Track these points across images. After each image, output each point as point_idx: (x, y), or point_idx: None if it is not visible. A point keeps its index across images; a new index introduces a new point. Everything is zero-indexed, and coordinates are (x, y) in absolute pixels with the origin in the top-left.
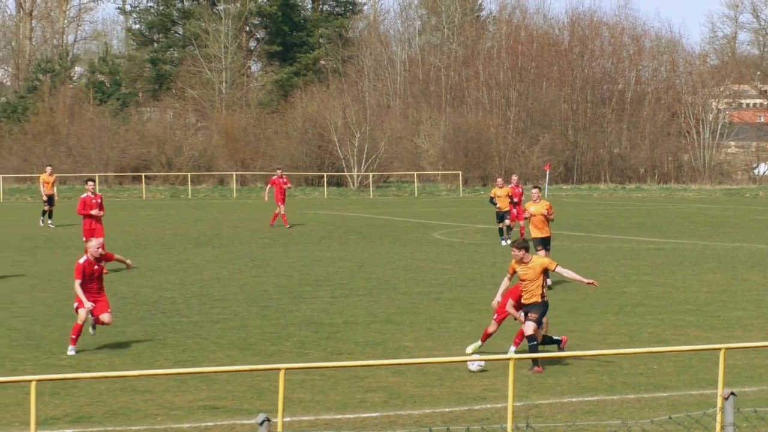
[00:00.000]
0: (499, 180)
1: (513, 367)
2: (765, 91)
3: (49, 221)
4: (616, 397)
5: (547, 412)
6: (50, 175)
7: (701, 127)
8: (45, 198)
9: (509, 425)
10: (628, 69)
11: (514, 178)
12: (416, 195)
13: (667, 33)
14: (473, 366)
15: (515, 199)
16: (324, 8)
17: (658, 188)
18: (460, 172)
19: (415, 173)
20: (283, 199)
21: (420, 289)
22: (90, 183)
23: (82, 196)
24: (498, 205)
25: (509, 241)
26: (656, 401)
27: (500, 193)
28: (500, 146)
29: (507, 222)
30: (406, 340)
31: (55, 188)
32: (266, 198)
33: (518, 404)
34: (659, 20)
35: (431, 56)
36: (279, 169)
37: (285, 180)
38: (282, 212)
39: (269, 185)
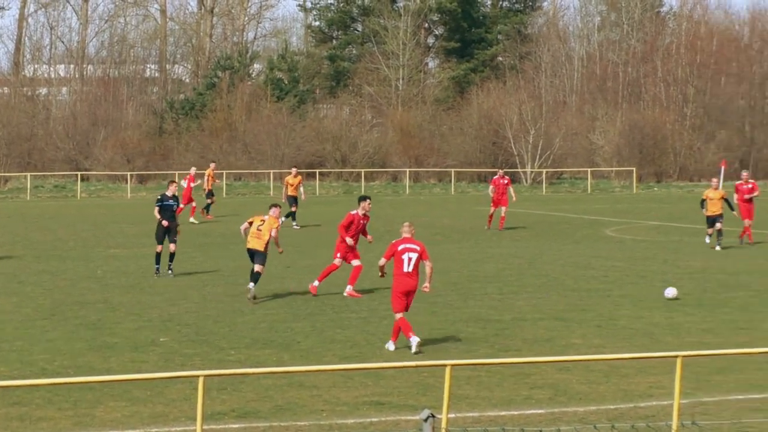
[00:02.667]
0: (714, 181)
1: (681, 364)
2: None
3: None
4: None
5: (713, 410)
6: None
7: None
8: (205, 191)
9: (675, 423)
10: None
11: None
12: (589, 191)
13: None
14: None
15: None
16: (503, 4)
17: None
18: (635, 169)
19: (589, 170)
20: (505, 201)
21: (590, 286)
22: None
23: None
24: (705, 210)
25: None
26: None
27: (713, 195)
28: (676, 143)
29: (718, 226)
30: (574, 337)
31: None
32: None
33: (684, 402)
34: None
35: (609, 52)
36: (500, 169)
37: (507, 181)
38: (502, 214)
39: (491, 186)
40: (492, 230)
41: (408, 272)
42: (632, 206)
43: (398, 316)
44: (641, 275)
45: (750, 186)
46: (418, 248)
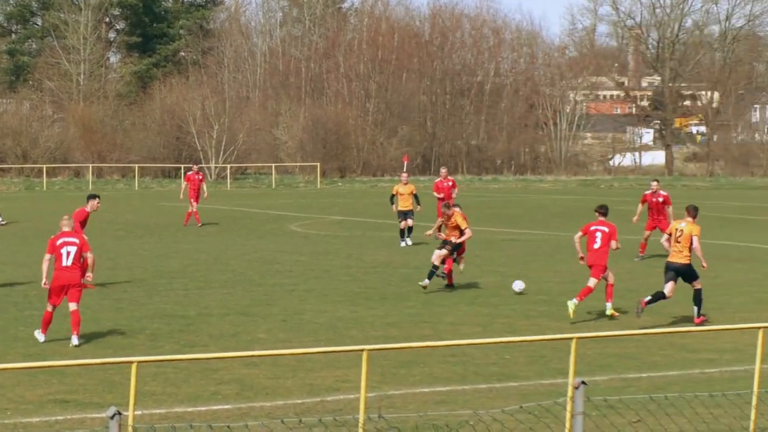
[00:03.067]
0: (404, 176)
1: (366, 358)
2: (622, 83)
3: None
4: (468, 387)
5: (399, 403)
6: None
7: (558, 118)
8: None
9: (361, 416)
10: (487, 61)
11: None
12: (274, 187)
13: (527, 25)
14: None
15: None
16: (185, 0)
17: (514, 179)
18: (319, 164)
19: (273, 165)
20: (197, 197)
21: (275, 281)
22: None
23: None
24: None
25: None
26: (507, 391)
27: (402, 190)
28: (359, 138)
29: (410, 222)
30: (260, 332)
31: None
32: (182, 196)
33: (371, 395)
34: (520, 12)
35: (292, 48)
36: (195, 165)
37: (201, 177)
38: (194, 210)
39: (185, 182)
40: (187, 226)
41: (67, 266)
42: (316, 201)
43: (49, 308)
44: (326, 270)
45: (450, 183)
46: (77, 241)
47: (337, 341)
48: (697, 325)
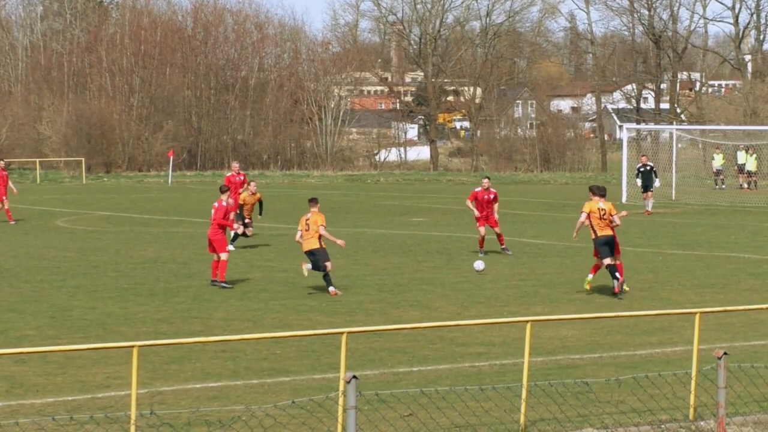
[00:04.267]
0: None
1: (137, 354)
2: (386, 79)
3: None
4: (240, 382)
5: (171, 399)
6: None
7: (324, 113)
8: None
9: (133, 413)
10: (251, 56)
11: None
12: (38, 182)
13: (290, 20)
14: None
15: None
16: None
17: (281, 174)
18: (83, 159)
19: (38, 160)
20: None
21: (42, 277)
22: None
23: None
24: None
25: None
26: (280, 386)
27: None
28: (124, 133)
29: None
30: (29, 329)
31: None
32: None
33: (142, 392)
34: (282, 8)
35: (53, 42)
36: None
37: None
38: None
39: None
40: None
41: None
42: (82, 197)
43: None
44: (94, 265)
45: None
46: None
47: (107, 338)
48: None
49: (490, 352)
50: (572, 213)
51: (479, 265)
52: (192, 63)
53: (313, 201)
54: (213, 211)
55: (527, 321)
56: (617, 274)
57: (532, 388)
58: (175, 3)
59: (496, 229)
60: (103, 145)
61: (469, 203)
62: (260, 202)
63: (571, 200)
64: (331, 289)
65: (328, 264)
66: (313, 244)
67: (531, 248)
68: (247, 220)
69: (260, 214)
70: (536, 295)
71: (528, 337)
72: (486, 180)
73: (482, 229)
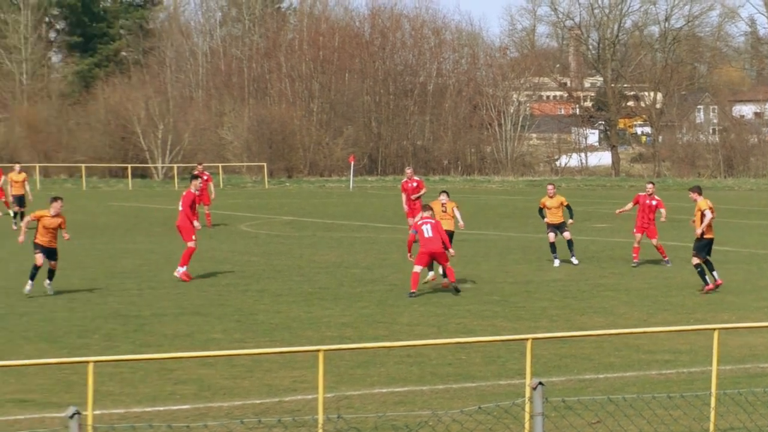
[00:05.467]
0: (550, 187)
1: (323, 358)
2: (564, 84)
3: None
4: (426, 387)
5: (357, 403)
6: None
7: (503, 119)
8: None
9: (320, 417)
10: (429, 61)
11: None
12: (222, 186)
13: (467, 26)
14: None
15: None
16: (124, 0)
17: (462, 180)
18: (265, 164)
19: (220, 165)
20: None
21: (228, 281)
22: None
23: None
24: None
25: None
26: (465, 391)
27: (550, 203)
28: (305, 138)
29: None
30: (215, 332)
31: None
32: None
33: (329, 396)
34: (459, 13)
35: (233, 48)
36: (200, 165)
37: (207, 177)
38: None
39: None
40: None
41: None
42: (265, 201)
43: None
44: (278, 270)
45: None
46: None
47: (293, 341)
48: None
49: (677, 360)
50: (757, 219)
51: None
52: (370, 68)
53: (444, 192)
54: (181, 199)
55: (714, 329)
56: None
57: (721, 396)
58: (353, 9)
59: (653, 241)
60: (285, 150)
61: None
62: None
63: (756, 207)
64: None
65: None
66: (448, 225)
67: (716, 255)
68: None
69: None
70: (723, 302)
71: (716, 345)
72: (650, 185)
73: (638, 236)
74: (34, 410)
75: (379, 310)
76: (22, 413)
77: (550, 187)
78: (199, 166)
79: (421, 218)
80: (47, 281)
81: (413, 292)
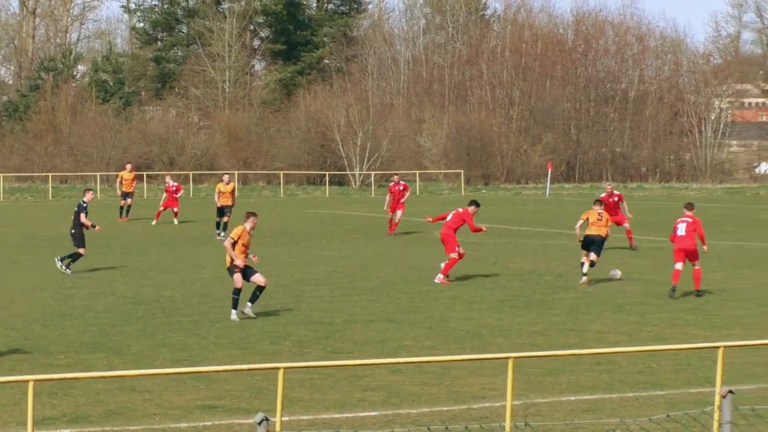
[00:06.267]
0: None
1: (512, 365)
2: (767, 90)
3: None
4: (615, 395)
5: (545, 411)
6: (130, 171)
7: (703, 126)
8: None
9: (508, 424)
10: (631, 68)
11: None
12: (418, 193)
13: (671, 32)
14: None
15: None
16: (329, 7)
17: (659, 187)
18: (462, 171)
19: (417, 172)
20: (401, 205)
21: (420, 288)
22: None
23: None
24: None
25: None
26: (654, 399)
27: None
28: (503, 145)
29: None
30: (406, 339)
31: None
32: (385, 207)
33: (517, 403)
34: (664, 19)
35: (435, 55)
36: (396, 175)
37: (404, 186)
38: (396, 219)
39: (389, 195)
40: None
41: None
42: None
43: None
44: (471, 277)
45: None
46: None
47: (483, 349)
48: None
49: None
50: None
51: (616, 273)
52: (572, 75)
53: (598, 202)
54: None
55: None
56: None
57: None
58: (557, 16)
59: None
60: (482, 157)
61: None
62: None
63: None
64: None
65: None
66: (600, 231)
67: None
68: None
69: None
70: None
71: None
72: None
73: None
74: (223, 416)
75: (570, 317)
76: (211, 419)
77: None
78: (396, 177)
79: (683, 218)
80: (249, 304)
81: (674, 286)
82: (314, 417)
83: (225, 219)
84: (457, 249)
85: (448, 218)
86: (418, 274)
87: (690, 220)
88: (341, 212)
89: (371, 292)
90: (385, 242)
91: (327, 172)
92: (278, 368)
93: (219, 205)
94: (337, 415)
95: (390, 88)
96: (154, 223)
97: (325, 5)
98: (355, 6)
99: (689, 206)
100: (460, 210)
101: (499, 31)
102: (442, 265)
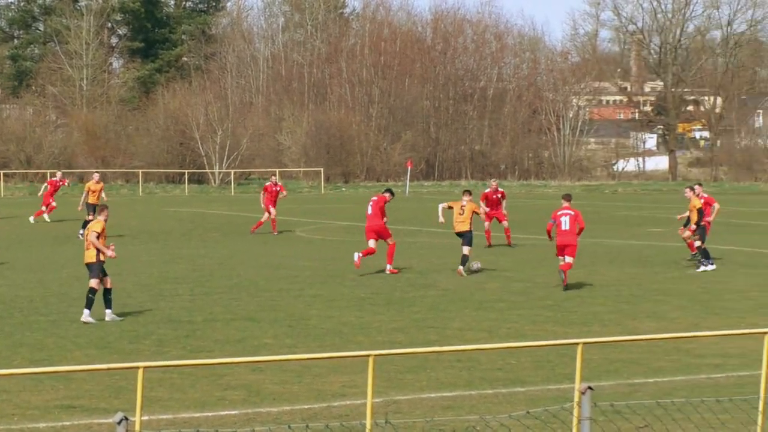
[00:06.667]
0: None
1: (373, 363)
2: (625, 88)
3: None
4: (475, 392)
5: (406, 408)
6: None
7: (562, 123)
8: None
9: (368, 422)
10: (490, 66)
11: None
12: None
13: (530, 31)
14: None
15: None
16: (187, 5)
17: (518, 184)
18: (322, 169)
19: (277, 170)
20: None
21: (281, 286)
22: None
23: None
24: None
25: None
26: (514, 396)
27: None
28: (362, 143)
29: None
30: (266, 337)
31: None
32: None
33: (378, 401)
34: (522, 18)
35: (294, 53)
36: (273, 175)
37: (280, 188)
38: (273, 216)
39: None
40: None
41: None
42: (321, 206)
43: None
44: (331, 275)
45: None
46: None
47: (343, 347)
48: None
49: (727, 364)
50: None
51: (475, 265)
52: (431, 73)
53: (467, 192)
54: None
55: (765, 332)
56: None
57: None
58: (416, 14)
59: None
60: (342, 156)
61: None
62: None
63: None
64: (460, 268)
65: (466, 248)
66: (464, 227)
67: (766, 259)
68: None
69: None
70: None
71: (766, 349)
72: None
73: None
74: (82, 416)
75: (430, 315)
76: (70, 419)
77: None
78: (273, 177)
79: (563, 210)
80: (108, 311)
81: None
82: (174, 416)
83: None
84: (391, 235)
85: (369, 211)
86: (279, 273)
87: (572, 212)
88: (201, 210)
89: (231, 291)
90: (245, 241)
91: (186, 171)
92: (138, 367)
93: (89, 203)
94: (198, 414)
95: (249, 86)
96: (32, 220)
97: (184, 3)
98: (214, 4)
99: (568, 197)
100: (375, 198)
101: (358, 29)
102: (357, 255)
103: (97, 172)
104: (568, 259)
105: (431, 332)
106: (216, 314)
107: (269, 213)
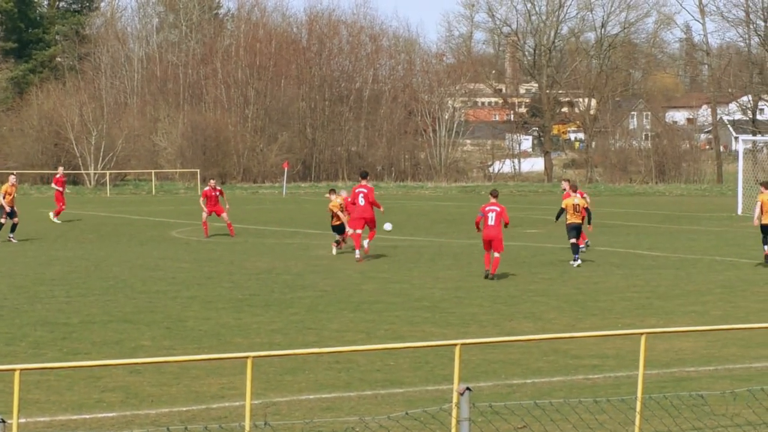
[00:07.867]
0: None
1: (251, 364)
2: (500, 90)
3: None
4: (354, 393)
5: (285, 410)
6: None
7: (438, 125)
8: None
9: (247, 423)
10: (365, 68)
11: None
12: (154, 193)
13: (404, 32)
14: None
15: None
16: (61, 5)
17: (395, 186)
18: (199, 170)
19: (153, 171)
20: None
21: (158, 288)
22: None
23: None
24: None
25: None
26: (393, 397)
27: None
28: (239, 144)
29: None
30: (144, 339)
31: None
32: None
33: (256, 402)
34: (397, 19)
35: (169, 54)
36: (212, 179)
37: (219, 191)
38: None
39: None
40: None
41: None
42: (197, 208)
43: None
44: (208, 276)
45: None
46: None
47: (222, 348)
48: None
49: (604, 365)
50: (687, 225)
51: (388, 226)
52: (306, 75)
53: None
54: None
55: (642, 333)
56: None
57: (647, 400)
58: (290, 15)
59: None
60: (218, 157)
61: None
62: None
63: (687, 212)
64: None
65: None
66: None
67: (646, 260)
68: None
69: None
70: (651, 307)
71: (643, 350)
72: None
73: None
74: None
75: (309, 316)
76: None
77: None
78: (212, 181)
79: (490, 206)
80: None
81: (487, 271)
82: (51, 419)
83: (15, 220)
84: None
85: (362, 203)
86: (155, 274)
87: (498, 209)
88: (76, 212)
89: (108, 292)
90: (121, 242)
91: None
92: (14, 370)
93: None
94: (75, 417)
95: (124, 87)
96: None
97: (57, 3)
98: (88, 4)
99: (495, 194)
100: (364, 190)
101: (233, 30)
102: (358, 252)
103: (12, 173)
104: (495, 254)
105: (310, 333)
106: (93, 316)
107: (220, 217)
